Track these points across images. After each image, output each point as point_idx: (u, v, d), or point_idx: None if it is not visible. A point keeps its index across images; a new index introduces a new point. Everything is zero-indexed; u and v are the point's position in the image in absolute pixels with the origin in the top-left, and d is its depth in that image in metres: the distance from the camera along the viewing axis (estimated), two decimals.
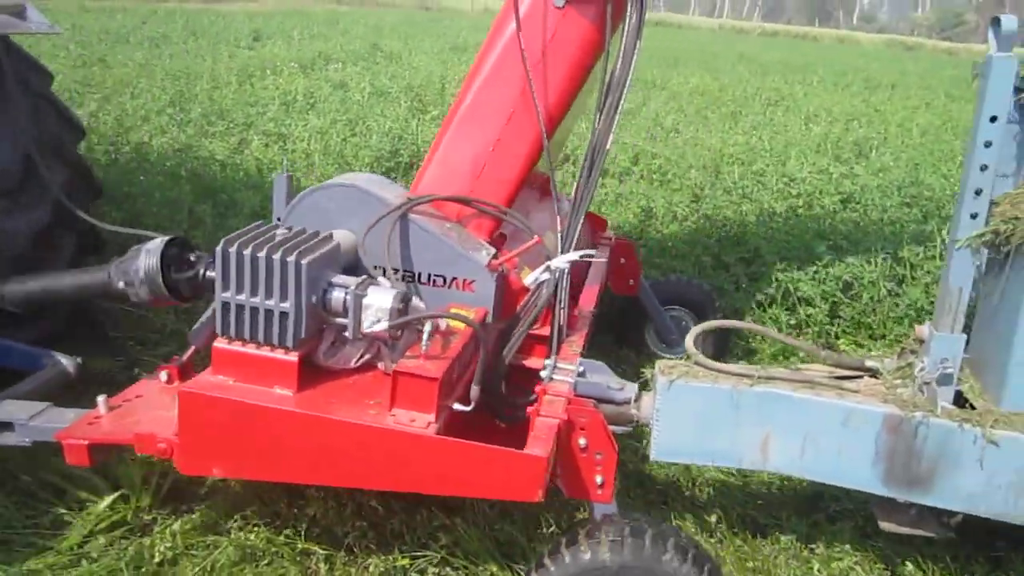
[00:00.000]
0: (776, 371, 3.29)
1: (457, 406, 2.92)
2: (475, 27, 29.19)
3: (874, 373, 3.33)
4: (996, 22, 2.86)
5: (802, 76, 21.09)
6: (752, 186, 8.16)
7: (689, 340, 3.39)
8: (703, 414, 3.19)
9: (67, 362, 3.56)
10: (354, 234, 3.36)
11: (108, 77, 12.19)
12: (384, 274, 3.40)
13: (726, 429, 3.19)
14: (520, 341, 3.43)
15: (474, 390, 2.91)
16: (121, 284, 3.15)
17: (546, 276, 3.49)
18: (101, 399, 3.15)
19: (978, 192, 2.99)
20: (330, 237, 3.05)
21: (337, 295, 2.90)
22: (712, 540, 3.75)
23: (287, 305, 2.80)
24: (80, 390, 3.67)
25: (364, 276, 3.02)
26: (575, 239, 3.59)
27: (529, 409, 2.99)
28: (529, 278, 3.51)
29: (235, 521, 3.48)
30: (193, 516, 3.51)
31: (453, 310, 3.13)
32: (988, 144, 2.94)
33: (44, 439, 3.09)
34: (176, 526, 3.40)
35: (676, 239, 6.64)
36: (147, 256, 3.14)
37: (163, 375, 3.30)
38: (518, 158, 3.63)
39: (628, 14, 3.46)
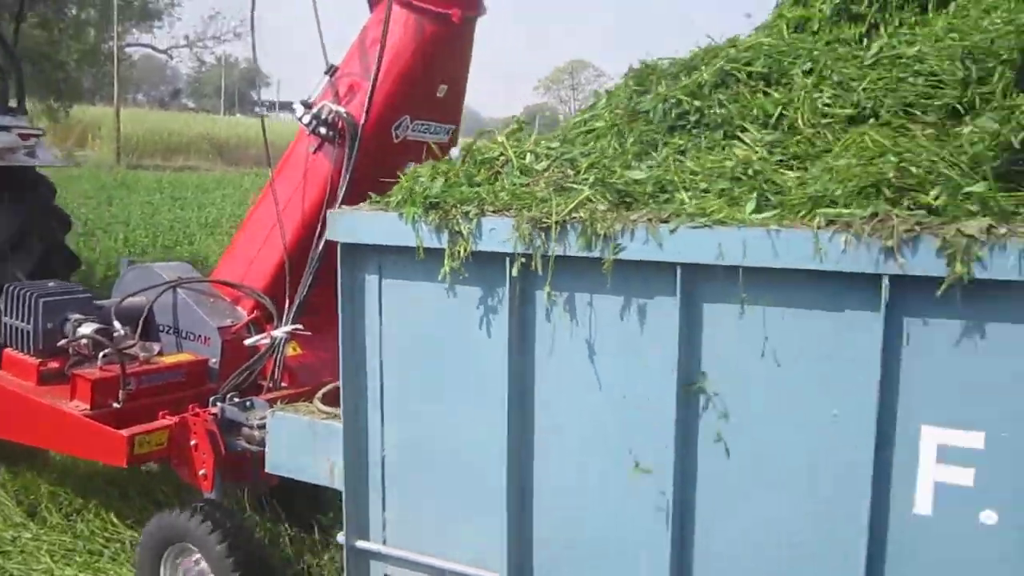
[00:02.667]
0: None
1: (115, 404, 4.50)
2: None
3: None
4: None
5: None
6: None
7: (319, 393, 4.54)
8: (292, 439, 4.35)
9: None
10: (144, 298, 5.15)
11: None
12: (167, 332, 5.15)
13: (306, 452, 4.31)
14: (234, 382, 4.93)
15: (122, 394, 4.49)
16: None
17: (266, 340, 4.97)
18: None
19: None
20: (84, 291, 4.88)
21: (68, 325, 4.72)
22: None
23: (29, 327, 4.69)
24: None
25: (93, 315, 4.77)
26: (292, 315, 5.04)
27: (160, 412, 4.47)
28: (250, 340, 5.01)
29: None
30: None
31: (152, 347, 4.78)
32: None
33: None
34: None
35: None
36: None
37: None
38: (273, 259, 5.23)
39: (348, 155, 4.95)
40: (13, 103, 6.75)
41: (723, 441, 2.41)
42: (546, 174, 2.54)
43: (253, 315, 5.25)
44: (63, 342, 4.63)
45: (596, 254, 2.37)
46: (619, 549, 2.58)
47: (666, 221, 2.31)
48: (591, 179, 2.48)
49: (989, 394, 2.11)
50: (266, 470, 4.42)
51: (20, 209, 6.12)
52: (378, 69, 4.52)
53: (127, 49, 30.71)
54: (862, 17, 3.16)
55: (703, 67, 2.76)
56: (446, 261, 2.56)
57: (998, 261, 1.98)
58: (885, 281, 2.10)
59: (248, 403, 4.66)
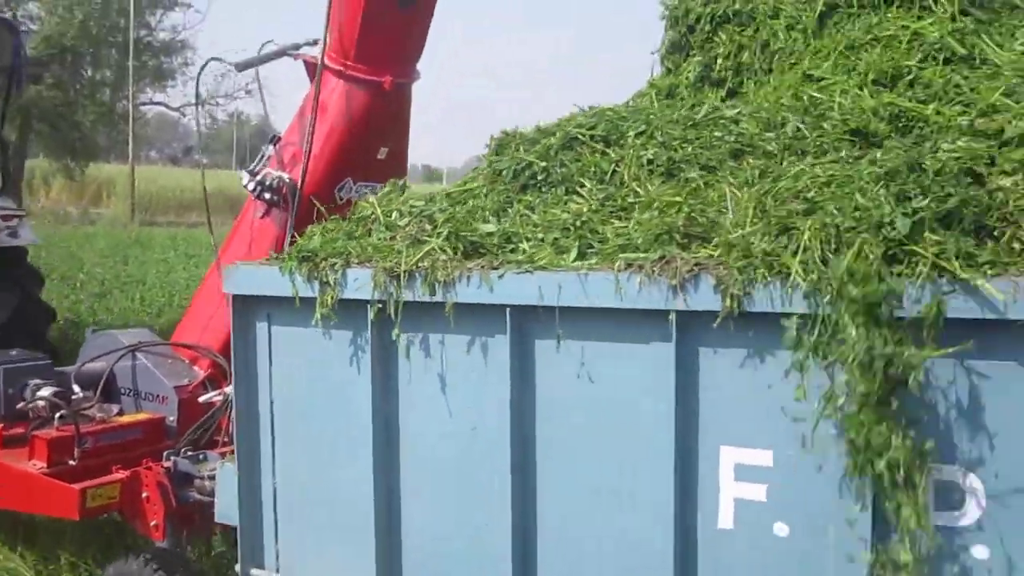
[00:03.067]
0: None
1: (71, 461, 4.78)
2: None
3: None
4: None
5: None
6: None
7: None
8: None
9: None
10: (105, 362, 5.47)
11: None
12: (128, 394, 5.45)
13: None
14: (191, 437, 5.21)
15: (77, 452, 4.78)
16: None
17: (219, 397, 5.26)
18: None
19: None
20: (45, 359, 5.21)
21: (28, 390, 5.03)
22: None
23: None
24: None
25: (52, 380, 5.09)
26: None
27: (114, 467, 4.75)
28: (204, 397, 5.31)
29: None
30: None
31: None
32: None
33: None
34: None
35: None
36: None
37: None
38: (226, 321, 5.54)
39: (291, 218, 5.29)
40: None
41: (555, 469, 2.66)
42: (406, 229, 2.84)
43: (209, 373, 5.54)
44: (21, 405, 4.93)
45: (439, 299, 2.66)
46: (477, 572, 2.81)
47: (496, 268, 2.61)
48: (445, 232, 2.78)
49: (772, 415, 2.35)
50: (215, 519, 4.66)
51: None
52: (311, 134, 4.87)
53: (141, 108, 31.64)
54: (723, 82, 3.49)
55: (556, 132, 3.08)
56: (317, 308, 2.86)
57: (762, 296, 2.25)
58: (672, 316, 2.37)
59: (201, 456, 4.92)
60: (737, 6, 3.47)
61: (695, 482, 2.46)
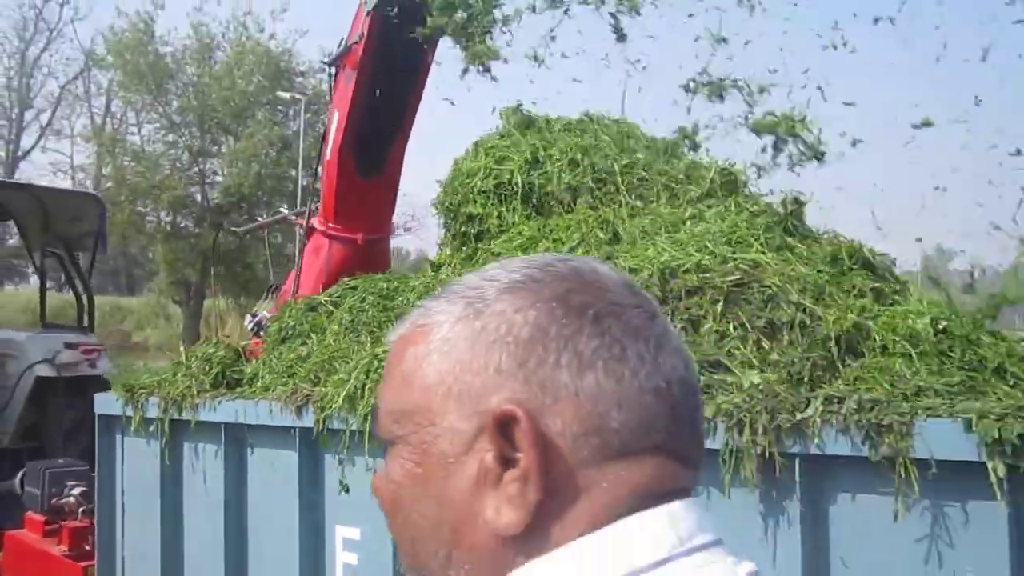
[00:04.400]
0: None
1: (87, 547, 6.23)
2: None
3: None
4: None
5: None
6: None
7: None
8: None
9: None
10: None
11: None
12: None
13: None
14: None
15: (92, 539, 6.22)
16: None
17: None
18: None
19: None
20: (84, 465, 6.76)
21: (65, 490, 6.58)
22: None
23: (38, 492, 6.58)
24: None
25: (86, 483, 6.62)
26: None
27: None
28: None
29: None
30: None
31: None
32: None
33: None
34: None
35: None
36: None
37: None
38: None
39: None
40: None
41: (255, 547, 3.74)
42: (191, 369, 4.09)
43: None
44: (54, 501, 6.46)
45: (188, 417, 3.87)
46: None
47: (216, 398, 3.79)
48: (213, 372, 4.01)
49: (357, 503, 3.34)
50: None
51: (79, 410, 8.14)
52: (297, 281, 6.17)
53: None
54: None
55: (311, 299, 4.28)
56: (133, 424, 4.13)
57: (336, 418, 3.30)
58: (296, 431, 3.45)
59: None
60: (484, 227, 4.51)
61: (323, 551, 3.48)
